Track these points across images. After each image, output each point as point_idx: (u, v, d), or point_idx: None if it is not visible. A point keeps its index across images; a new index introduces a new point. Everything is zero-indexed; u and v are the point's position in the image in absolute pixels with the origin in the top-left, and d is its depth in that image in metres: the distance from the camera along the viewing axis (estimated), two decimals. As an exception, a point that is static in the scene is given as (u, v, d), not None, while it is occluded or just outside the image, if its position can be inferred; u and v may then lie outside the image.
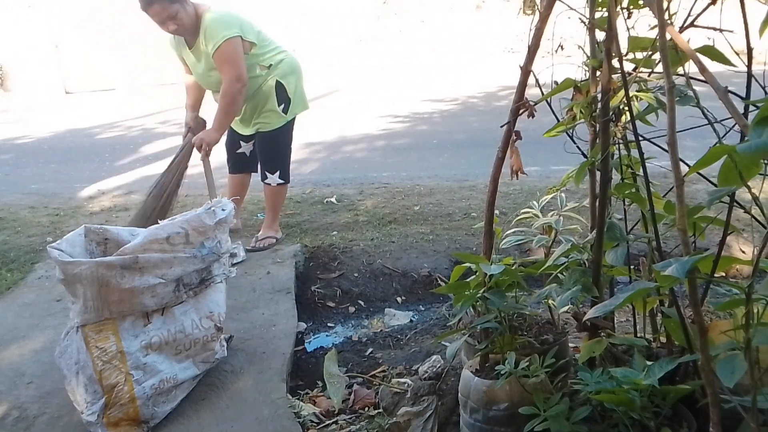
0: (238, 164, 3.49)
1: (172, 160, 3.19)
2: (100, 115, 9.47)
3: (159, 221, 2.05)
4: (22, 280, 3.05)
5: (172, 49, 3.22)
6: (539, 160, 4.83)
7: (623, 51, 1.34)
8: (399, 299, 3.02)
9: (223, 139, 3.28)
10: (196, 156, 3.17)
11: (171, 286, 1.92)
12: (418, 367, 2.06)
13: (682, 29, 1.29)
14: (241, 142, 3.40)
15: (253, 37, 3.06)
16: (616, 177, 1.47)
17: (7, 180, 5.65)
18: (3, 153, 7.00)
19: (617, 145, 1.47)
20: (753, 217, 1.22)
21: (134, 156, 6.16)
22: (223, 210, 2.08)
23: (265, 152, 3.30)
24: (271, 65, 3.13)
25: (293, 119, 3.29)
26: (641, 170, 1.36)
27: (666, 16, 1.13)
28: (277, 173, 3.29)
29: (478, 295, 1.53)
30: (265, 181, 3.33)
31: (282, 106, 3.19)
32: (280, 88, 3.17)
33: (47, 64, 12.95)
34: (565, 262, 1.50)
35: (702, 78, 1.06)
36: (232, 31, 2.93)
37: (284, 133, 3.28)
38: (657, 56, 1.32)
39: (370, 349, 2.52)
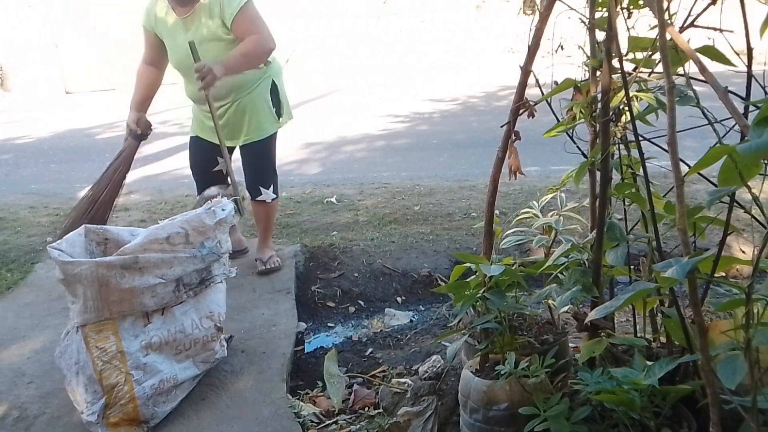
0: (214, 183, 2.90)
1: (108, 165, 2.80)
2: (100, 115, 9.45)
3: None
4: (22, 280, 3.05)
5: (143, 26, 2.83)
6: (539, 160, 4.83)
7: (623, 51, 1.34)
8: (399, 299, 3.02)
9: (177, 152, 2.84)
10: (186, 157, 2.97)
11: (171, 286, 1.92)
12: (418, 367, 2.06)
13: (682, 29, 1.29)
14: (219, 158, 2.79)
15: None
16: (616, 177, 1.47)
17: (7, 180, 5.65)
18: (3, 153, 7.00)
19: (617, 145, 1.47)
20: (753, 217, 1.22)
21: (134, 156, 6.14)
22: (223, 210, 2.09)
23: (258, 165, 2.91)
24: (269, 61, 2.82)
25: (278, 131, 2.97)
26: (641, 170, 1.36)
27: (666, 16, 1.13)
28: (271, 188, 2.94)
29: (478, 295, 1.53)
30: (259, 198, 2.92)
31: (275, 109, 2.90)
32: (274, 88, 2.89)
33: (47, 64, 12.94)
34: (565, 262, 1.50)
35: (702, 78, 1.06)
36: None
37: (274, 141, 2.96)
38: (657, 56, 1.32)
39: (370, 349, 2.52)
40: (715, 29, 1.23)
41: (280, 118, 2.95)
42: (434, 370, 1.90)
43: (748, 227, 2.65)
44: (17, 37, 12.99)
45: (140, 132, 2.82)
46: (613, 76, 1.33)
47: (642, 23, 1.37)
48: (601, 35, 1.35)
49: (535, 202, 1.79)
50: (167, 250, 1.90)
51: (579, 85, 1.47)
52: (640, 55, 1.37)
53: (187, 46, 2.60)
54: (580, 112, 1.47)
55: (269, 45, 2.66)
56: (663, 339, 1.52)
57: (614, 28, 1.29)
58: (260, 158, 2.92)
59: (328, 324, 2.86)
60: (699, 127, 1.37)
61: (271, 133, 2.91)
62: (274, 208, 3.07)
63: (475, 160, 5.35)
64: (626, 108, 1.36)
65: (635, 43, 1.37)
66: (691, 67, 1.22)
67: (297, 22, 13.91)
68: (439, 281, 3.05)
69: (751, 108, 1.09)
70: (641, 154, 1.36)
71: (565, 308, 1.68)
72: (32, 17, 13.12)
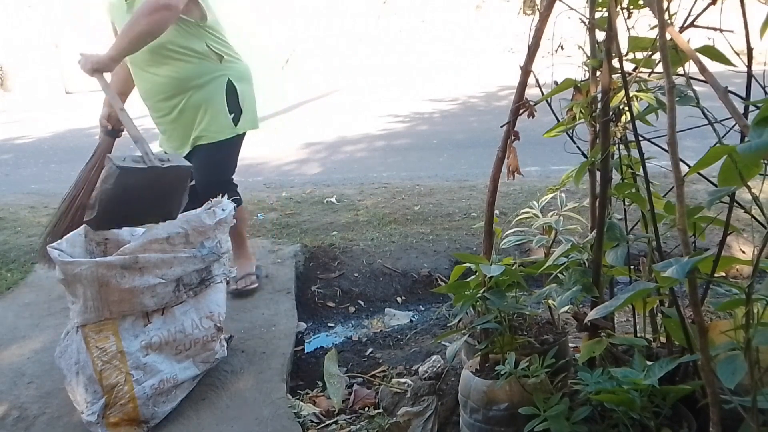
0: None
1: (85, 164, 2.60)
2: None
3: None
4: (22, 280, 3.05)
5: (107, 13, 2.62)
6: (539, 160, 4.83)
7: (623, 51, 1.34)
8: (399, 299, 3.02)
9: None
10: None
11: (171, 286, 1.92)
12: (418, 367, 2.06)
13: (682, 29, 1.29)
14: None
15: (206, 3, 2.46)
16: (616, 177, 1.47)
17: (7, 180, 5.65)
18: (3, 153, 7.00)
19: (617, 145, 1.47)
20: (753, 217, 1.22)
21: (134, 156, 6.14)
22: (223, 210, 2.09)
23: (210, 175, 2.55)
24: (223, 58, 2.53)
25: (242, 137, 2.66)
26: (641, 170, 1.36)
27: (666, 16, 1.13)
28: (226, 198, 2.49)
29: (478, 295, 1.53)
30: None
31: (233, 115, 2.57)
32: (232, 91, 2.56)
33: (47, 63, 12.95)
34: (565, 262, 1.50)
35: (702, 78, 1.06)
36: None
37: (234, 147, 2.62)
38: (657, 56, 1.32)
39: (370, 349, 2.52)
40: (715, 29, 1.23)
41: (237, 125, 2.59)
42: (434, 370, 1.90)
43: (748, 227, 2.65)
44: (17, 37, 13.00)
45: (111, 128, 2.64)
46: (613, 76, 1.33)
47: (642, 23, 1.37)
48: (601, 35, 1.35)
49: (535, 202, 1.79)
50: (167, 250, 1.90)
51: (579, 85, 1.47)
52: (640, 55, 1.37)
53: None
54: (580, 112, 1.47)
55: (156, 3, 2.21)
56: (663, 339, 1.52)
57: (614, 28, 1.29)
58: (213, 167, 2.56)
59: (328, 324, 2.86)
60: (699, 127, 1.37)
61: (226, 137, 2.55)
62: (240, 216, 2.69)
63: (475, 160, 5.36)
64: (626, 108, 1.36)
65: (635, 43, 1.37)
66: (691, 67, 1.22)
67: (297, 22, 13.90)
68: (439, 281, 3.05)
69: (751, 108, 1.09)
70: (641, 154, 1.36)
71: (565, 308, 1.68)
72: (32, 17, 13.12)
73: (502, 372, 1.43)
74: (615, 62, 1.32)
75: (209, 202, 2.13)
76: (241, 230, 2.82)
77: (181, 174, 2.12)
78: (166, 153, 2.44)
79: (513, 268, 1.54)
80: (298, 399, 2.08)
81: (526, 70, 1.47)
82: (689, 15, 1.30)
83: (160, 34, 2.28)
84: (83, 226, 2.05)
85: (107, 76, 2.34)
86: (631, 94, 1.32)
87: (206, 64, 2.50)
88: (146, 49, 2.34)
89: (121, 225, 2.12)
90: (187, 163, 2.15)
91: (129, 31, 2.24)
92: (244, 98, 2.61)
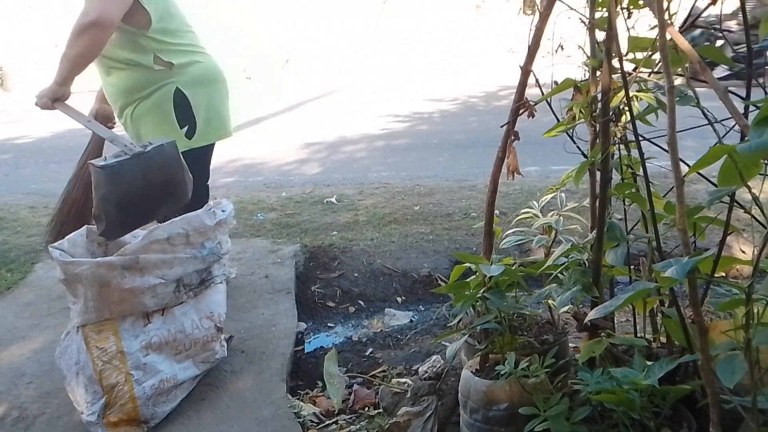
0: None
1: (77, 162, 2.57)
2: (100, 115, 9.44)
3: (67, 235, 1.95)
4: (22, 280, 3.05)
5: None
6: (539, 160, 4.83)
7: (623, 51, 1.34)
8: (399, 299, 3.02)
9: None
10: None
11: (171, 286, 1.92)
12: (418, 367, 2.06)
13: (682, 29, 1.29)
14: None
15: (154, 7, 2.21)
16: (616, 177, 1.47)
17: (7, 180, 5.65)
18: (3, 153, 7.00)
19: (617, 145, 1.47)
20: (753, 217, 1.22)
21: (134, 156, 6.13)
22: (223, 211, 2.09)
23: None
24: (173, 64, 2.29)
25: (206, 149, 2.42)
26: (641, 170, 1.36)
27: (666, 16, 1.13)
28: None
29: (478, 295, 1.53)
30: None
31: (186, 128, 2.34)
32: (181, 100, 2.31)
33: (47, 64, 12.92)
34: (565, 262, 1.50)
35: (702, 78, 1.06)
36: None
37: (195, 160, 2.28)
38: (657, 56, 1.32)
39: (370, 349, 2.52)
40: (715, 29, 1.23)
41: (192, 138, 2.36)
42: (434, 370, 1.90)
43: (748, 227, 2.65)
44: (17, 37, 13.00)
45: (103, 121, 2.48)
46: (613, 76, 1.33)
47: (642, 23, 1.37)
48: (601, 35, 1.35)
49: (535, 202, 1.79)
50: (168, 251, 1.90)
51: (579, 85, 1.47)
52: (640, 55, 1.37)
53: None
54: (580, 112, 1.47)
55: (84, 19, 2.04)
56: (663, 339, 1.52)
57: (614, 28, 1.29)
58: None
59: (328, 324, 2.86)
60: (699, 127, 1.37)
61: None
62: None
63: (475, 160, 5.36)
64: (626, 108, 1.36)
65: (635, 43, 1.37)
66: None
67: (297, 22, 13.91)
68: (439, 281, 3.05)
69: (751, 108, 1.09)
70: (641, 154, 1.36)
71: (565, 308, 1.68)
72: (32, 17, 13.13)
73: (502, 372, 1.43)
74: (615, 62, 1.32)
75: (208, 203, 2.13)
76: None
77: (168, 152, 2.02)
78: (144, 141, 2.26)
79: (513, 268, 1.54)
80: (298, 399, 2.08)
81: (526, 70, 1.47)
82: (689, 15, 1.30)
83: (98, 52, 2.16)
84: (85, 226, 2.05)
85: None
86: (631, 94, 1.32)
87: (151, 73, 2.29)
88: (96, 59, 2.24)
89: (138, 224, 2.03)
90: (170, 139, 2.06)
91: (66, 54, 2.15)
92: (199, 106, 2.35)
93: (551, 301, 1.67)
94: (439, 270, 3.12)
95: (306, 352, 2.59)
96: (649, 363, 1.25)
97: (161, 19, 2.24)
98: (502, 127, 1.54)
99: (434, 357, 2.00)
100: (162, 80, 2.30)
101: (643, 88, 1.41)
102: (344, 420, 1.98)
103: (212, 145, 2.48)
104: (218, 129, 2.45)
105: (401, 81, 11.29)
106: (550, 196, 1.74)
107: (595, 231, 1.45)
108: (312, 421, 1.96)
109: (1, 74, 13.41)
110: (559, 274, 1.53)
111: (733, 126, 1.12)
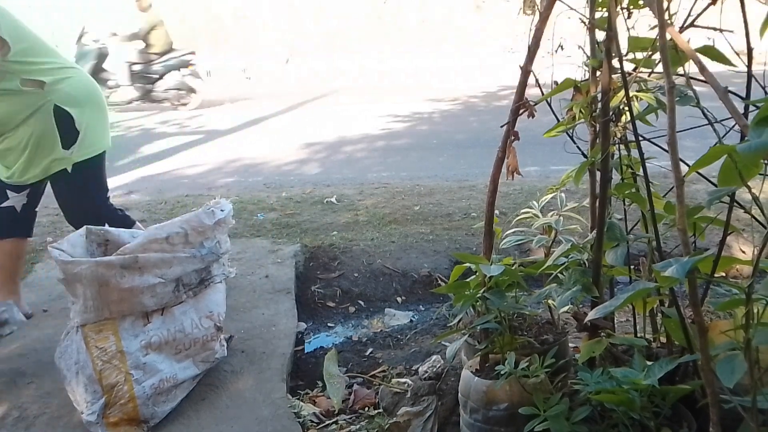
0: (3, 226, 2.44)
1: None
2: (100, 115, 9.43)
3: None
4: (22, 280, 3.05)
5: None
6: (539, 160, 4.83)
7: (623, 51, 1.34)
8: (399, 299, 3.02)
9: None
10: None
11: (170, 285, 1.92)
12: (418, 367, 2.06)
13: (682, 29, 1.29)
14: (8, 191, 2.39)
15: (6, 32, 2.17)
16: (616, 177, 1.47)
17: (7, 180, 5.63)
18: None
19: (617, 145, 1.47)
20: (753, 217, 1.22)
21: (134, 156, 6.14)
22: (222, 210, 2.09)
23: (69, 203, 2.44)
24: (45, 83, 2.26)
25: (92, 161, 2.40)
26: (641, 170, 1.36)
27: (666, 16, 1.13)
28: None
29: (478, 295, 1.53)
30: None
31: (70, 143, 2.33)
32: (63, 117, 2.29)
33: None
34: (565, 262, 1.50)
35: (702, 78, 1.06)
36: None
37: (84, 178, 2.38)
38: (657, 56, 1.32)
39: (370, 349, 2.52)
40: (715, 29, 1.23)
41: (75, 152, 2.34)
42: (434, 370, 1.90)
43: (748, 227, 2.65)
44: (17, 37, 12.97)
45: None
46: (613, 76, 1.33)
47: (642, 23, 1.37)
48: (601, 35, 1.35)
49: (535, 202, 1.79)
50: (167, 250, 1.90)
51: (579, 85, 1.47)
52: (640, 55, 1.37)
53: None
54: (580, 112, 1.47)
55: None
56: (663, 339, 1.52)
57: (614, 28, 1.29)
58: (69, 195, 2.41)
59: (328, 324, 2.86)
60: (699, 127, 1.37)
61: (62, 167, 2.34)
62: (7, 250, 2.47)
63: (475, 160, 5.36)
64: (626, 108, 1.36)
65: (635, 43, 1.37)
66: (691, 67, 1.22)
67: (297, 22, 13.91)
68: (439, 281, 3.05)
69: (751, 108, 1.09)
70: (641, 154, 1.36)
71: (565, 308, 1.68)
72: (32, 17, 13.11)
73: (502, 372, 1.43)
74: (615, 62, 1.32)
75: (207, 204, 2.13)
76: (6, 265, 2.50)
77: None
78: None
79: (513, 268, 1.54)
80: (298, 399, 2.08)
81: (526, 70, 1.47)
82: (689, 15, 1.30)
83: None
84: (84, 226, 2.05)
85: None
86: (631, 94, 1.32)
87: (24, 97, 2.25)
88: None
89: None
90: None
91: None
92: (81, 119, 2.33)
93: (551, 301, 1.67)
94: (439, 270, 3.12)
95: (306, 352, 2.59)
96: (649, 363, 1.25)
97: (18, 40, 2.21)
98: (502, 127, 1.54)
99: (434, 357, 2.00)
100: (36, 102, 2.27)
101: (643, 88, 1.41)
102: (344, 420, 1.98)
103: (100, 157, 2.45)
104: (97, 143, 2.42)
105: (401, 81, 11.30)
106: (550, 196, 1.74)
107: (595, 231, 1.45)
108: (312, 421, 1.96)
109: (1, 74, 13.39)
110: (559, 274, 1.53)
111: (733, 126, 1.12)
